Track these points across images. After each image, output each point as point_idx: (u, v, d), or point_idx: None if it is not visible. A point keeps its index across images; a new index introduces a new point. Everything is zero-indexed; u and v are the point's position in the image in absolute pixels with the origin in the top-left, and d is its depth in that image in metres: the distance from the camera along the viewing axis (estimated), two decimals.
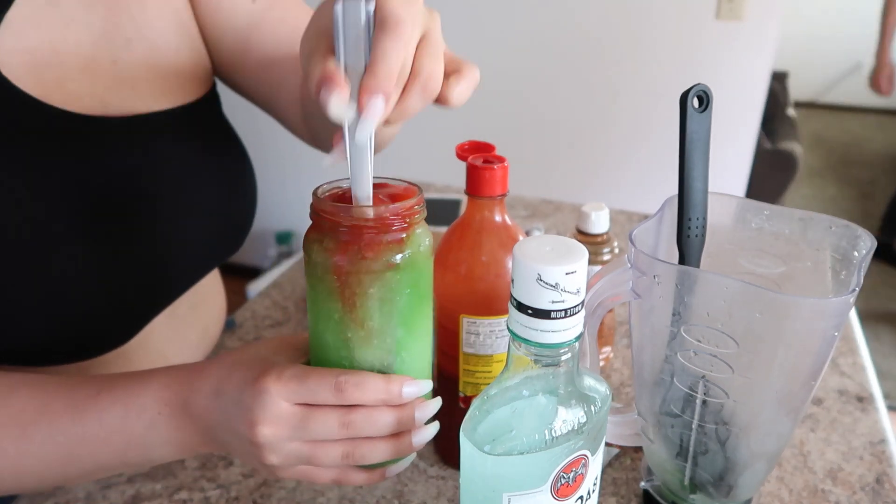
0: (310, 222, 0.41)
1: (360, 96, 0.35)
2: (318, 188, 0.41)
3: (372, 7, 0.35)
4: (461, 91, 0.40)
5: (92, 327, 0.54)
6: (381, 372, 0.42)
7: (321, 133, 0.63)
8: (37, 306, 0.50)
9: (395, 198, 0.40)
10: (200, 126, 0.62)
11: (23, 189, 0.49)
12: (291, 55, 0.64)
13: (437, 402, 0.43)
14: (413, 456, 0.45)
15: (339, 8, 0.35)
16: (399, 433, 0.42)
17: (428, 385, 0.42)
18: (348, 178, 0.39)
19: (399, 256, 0.39)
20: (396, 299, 0.40)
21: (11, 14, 0.50)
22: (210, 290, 0.72)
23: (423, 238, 0.41)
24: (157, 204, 0.57)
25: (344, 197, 0.40)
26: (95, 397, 0.45)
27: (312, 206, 0.40)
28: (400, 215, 0.39)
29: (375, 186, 0.40)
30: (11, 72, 0.50)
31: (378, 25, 0.35)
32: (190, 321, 0.67)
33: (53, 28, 0.53)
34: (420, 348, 0.43)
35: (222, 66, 0.65)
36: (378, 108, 0.35)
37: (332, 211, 0.38)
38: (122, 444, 0.45)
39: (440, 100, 0.39)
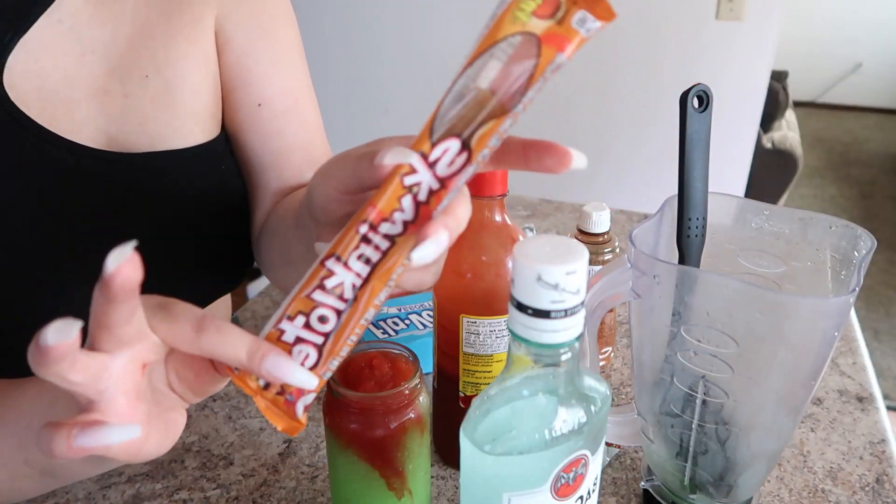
0: None
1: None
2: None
3: None
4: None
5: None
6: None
7: (280, 252, 0.59)
8: (27, 335, 0.49)
9: (395, 368, 0.46)
10: (206, 168, 0.60)
11: (16, 217, 0.49)
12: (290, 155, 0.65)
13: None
14: None
15: None
16: None
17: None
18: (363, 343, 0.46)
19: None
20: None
21: (28, 37, 0.50)
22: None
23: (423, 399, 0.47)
24: (150, 243, 0.56)
25: (358, 363, 0.46)
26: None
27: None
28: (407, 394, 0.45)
29: (377, 354, 0.46)
30: (18, 97, 0.49)
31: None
32: None
33: (69, 56, 0.52)
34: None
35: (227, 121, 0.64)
36: (443, 240, 0.31)
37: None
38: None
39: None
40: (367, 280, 0.32)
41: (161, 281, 0.56)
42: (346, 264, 0.32)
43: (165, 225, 0.57)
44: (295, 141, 0.65)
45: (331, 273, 0.32)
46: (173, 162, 0.57)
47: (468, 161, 0.31)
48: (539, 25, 0.29)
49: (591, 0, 0.28)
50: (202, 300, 0.63)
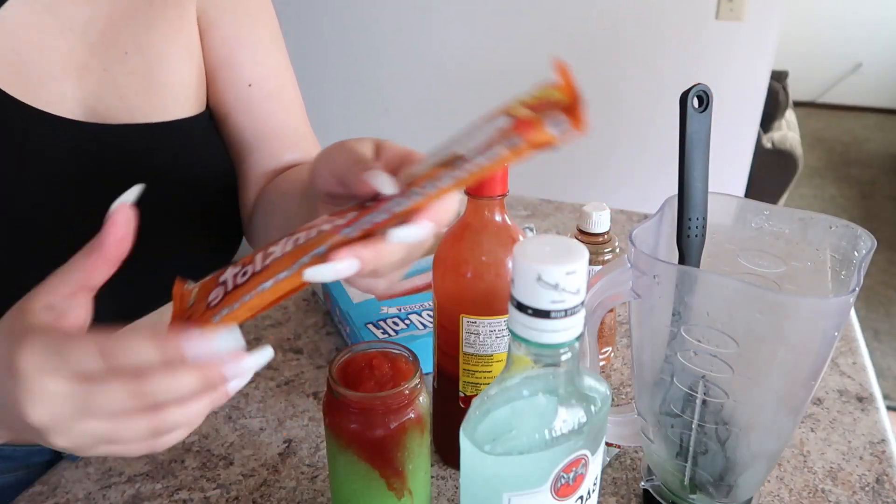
0: None
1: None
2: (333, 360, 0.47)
3: None
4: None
5: None
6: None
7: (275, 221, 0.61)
8: (6, 304, 0.49)
9: (395, 368, 0.46)
10: (189, 142, 0.61)
11: None
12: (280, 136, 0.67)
13: (263, 355, 0.36)
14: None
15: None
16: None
17: (233, 342, 0.35)
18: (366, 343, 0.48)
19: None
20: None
21: (2, 14, 0.50)
22: None
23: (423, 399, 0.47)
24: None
25: (358, 363, 0.46)
26: None
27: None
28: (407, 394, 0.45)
29: (377, 354, 0.47)
30: None
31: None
32: None
33: (46, 34, 0.52)
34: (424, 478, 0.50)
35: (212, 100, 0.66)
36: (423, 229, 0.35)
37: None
38: None
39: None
40: (280, 257, 0.36)
41: (145, 250, 0.56)
42: (285, 243, 0.37)
43: (146, 198, 0.57)
44: (284, 121, 0.67)
45: (275, 243, 0.37)
46: (154, 134, 0.58)
47: (403, 194, 0.35)
48: (523, 112, 0.33)
49: (573, 111, 0.31)
50: (188, 275, 0.64)
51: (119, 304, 0.58)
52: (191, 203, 0.60)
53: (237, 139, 0.66)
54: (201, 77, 0.63)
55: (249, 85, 0.65)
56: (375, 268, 0.36)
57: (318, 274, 0.34)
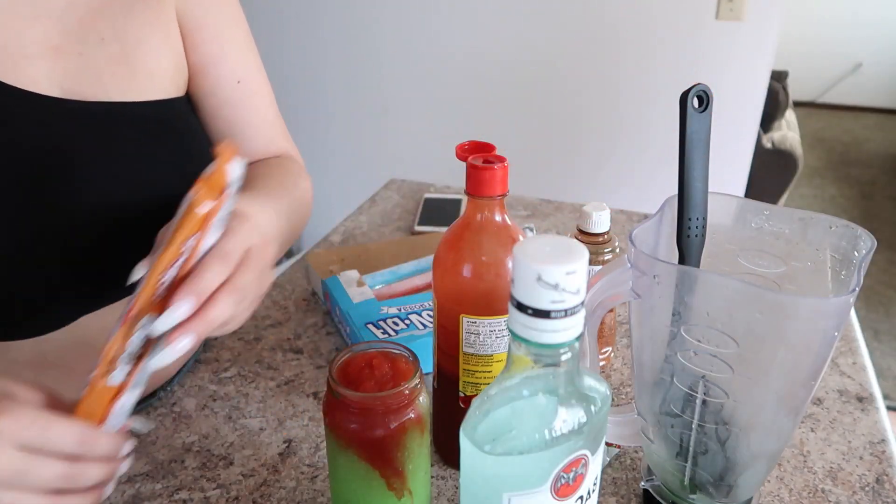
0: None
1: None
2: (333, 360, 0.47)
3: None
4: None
5: (18, 307, 0.54)
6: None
7: None
8: None
9: (395, 368, 0.47)
10: (165, 124, 0.62)
11: None
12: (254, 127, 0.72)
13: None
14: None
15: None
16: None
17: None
18: (366, 343, 0.49)
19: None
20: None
21: None
22: None
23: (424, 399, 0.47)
24: (103, 188, 0.56)
25: (358, 363, 0.47)
26: None
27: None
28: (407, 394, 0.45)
29: (377, 354, 0.47)
30: None
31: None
32: None
33: (22, 18, 0.53)
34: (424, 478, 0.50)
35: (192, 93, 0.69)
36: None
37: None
38: None
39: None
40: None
41: (119, 228, 0.56)
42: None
43: (121, 178, 0.57)
44: (265, 115, 0.73)
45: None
46: (129, 113, 0.58)
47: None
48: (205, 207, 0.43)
49: (214, 191, 0.44)
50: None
51: (88, 285, 0.58)
52: (163, 183, 0.60)
53: (223, 133, 0.71)
54: (178, 65, 0.64)
55: (238, 81, 0.69)
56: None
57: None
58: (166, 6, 0.63)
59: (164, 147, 0.60)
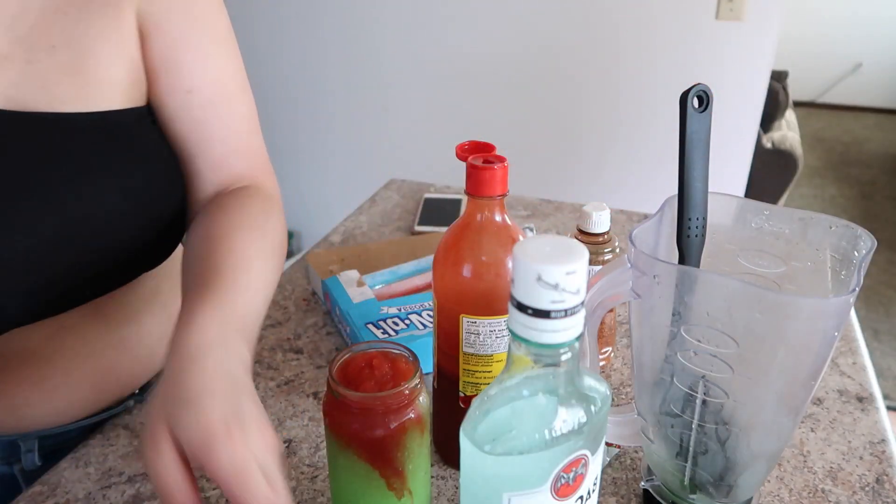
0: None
1: None
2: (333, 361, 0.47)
3: None
4: None
5: None
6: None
7: None
8: None
9: (395, 368, 0.47)
10: (114, 135, 0.58)
11: None
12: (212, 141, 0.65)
13: None
14: None
15: None
16: None
17: None
18: (367, 343, 0.49)
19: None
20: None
21: None
22: None
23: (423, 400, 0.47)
24: (46, 200, 0.54)
25: (358, 363, 0.47)
26: None
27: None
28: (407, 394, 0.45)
29: (377, 354, 0.47)
30: None
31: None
32: None
33: None
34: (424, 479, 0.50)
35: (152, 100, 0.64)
36: None
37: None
38: None
39: None
40: None
41: (69, 238, 0.55)
42: None
43: (62, 191, 0.55)
44: (222, 130, 0.65)
45: None
46: (77, 123, 0.56)
47: None
48: None
49: None
50: (106, 271, 0.61)
51: (38, 303, 0.56)
52: (114, 194, 0.58)
53: (180, 143, 0.65)
54: (134, 75, 0.61)
55: (189, 91, 0.63)
56: None
57: None
58: (125, 12, 0.59)
59: (107, 159, 0.57)
